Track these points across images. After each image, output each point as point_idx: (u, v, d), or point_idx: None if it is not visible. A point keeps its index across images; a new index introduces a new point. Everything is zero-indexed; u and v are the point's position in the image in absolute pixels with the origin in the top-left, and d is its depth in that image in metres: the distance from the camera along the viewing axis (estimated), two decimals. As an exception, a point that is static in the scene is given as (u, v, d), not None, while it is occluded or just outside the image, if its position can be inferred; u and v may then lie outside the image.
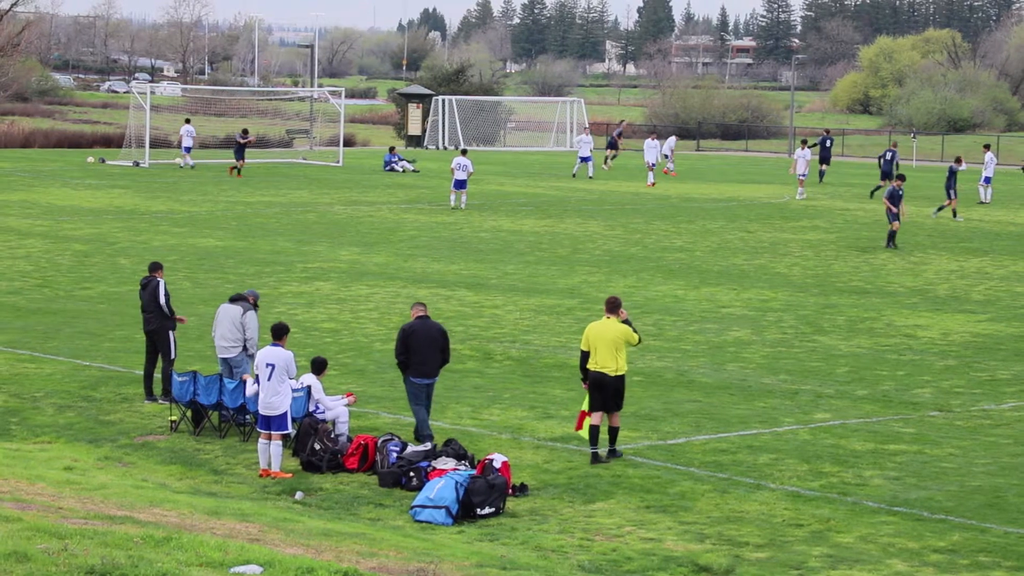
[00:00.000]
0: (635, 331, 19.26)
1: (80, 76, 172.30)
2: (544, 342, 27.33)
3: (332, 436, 19.15)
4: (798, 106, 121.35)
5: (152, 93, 72.84)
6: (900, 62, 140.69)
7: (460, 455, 18.42)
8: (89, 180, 58.90)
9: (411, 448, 18.58)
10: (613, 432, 19.18)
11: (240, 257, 37.75)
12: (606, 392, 19.03)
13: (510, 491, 17.44)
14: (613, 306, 19.27)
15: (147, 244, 39.71)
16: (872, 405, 22.79)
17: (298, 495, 17.61)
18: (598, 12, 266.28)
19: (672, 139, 74.56)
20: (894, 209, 42.08)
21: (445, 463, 18.04)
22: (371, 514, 16.94)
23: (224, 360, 21.11)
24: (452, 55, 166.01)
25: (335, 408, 19.93)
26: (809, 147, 60.55)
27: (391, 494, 17.75)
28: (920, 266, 38.97)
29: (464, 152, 53.80)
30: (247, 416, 20.08)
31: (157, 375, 22.18)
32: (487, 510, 16.82)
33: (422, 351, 19.74)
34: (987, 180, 57.87)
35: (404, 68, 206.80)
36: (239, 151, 63.46)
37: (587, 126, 77.53)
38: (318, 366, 20.29)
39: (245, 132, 64.88)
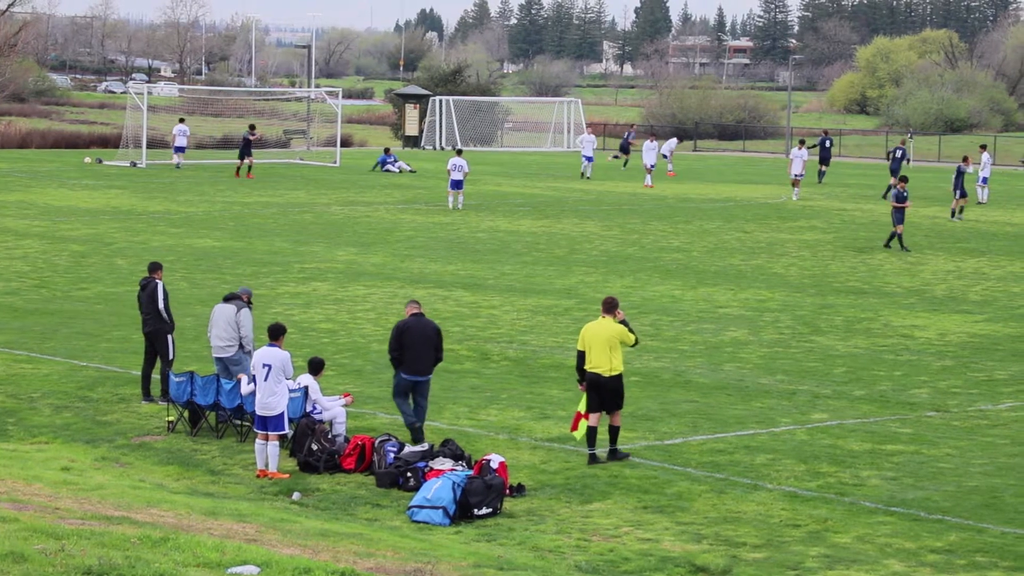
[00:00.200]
0: (632, 332, 19.24)
1: (77, 76, 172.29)
2: (541, 342, 27.33)
3: (329, 436, 19.15)
4: (795, 106, 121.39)
5: (149, 93, 72.78)
6: (897, 62, 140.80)
7: (457, 455, 18.42)
8: (86, 180, 58.89)
9: (408, 448, 18.58)
10: (614, 431, 19.15)
11: (237, 257, 37.75)
12: (602, 393, 19.02)
13: (507, 491, 17.44)
14: (609, 306, 19.26)
15: (144, 244, 39.71)
16: (869, 405, 22.80)
17: (295, 495, 17.61)
18: (595, 12, 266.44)
19: (673, 141, 74.59)
20: (899, 206, 41.94)
21: (442, 463, 18.04)
22: (368, 514, 16.94)
23: (220, 360, 21.11)
24: (449, 55, 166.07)
25: (332, 408, 19.93)
26: (808, 148, 60.62)
27: (388, 494, 17.75)
28: (917, 266, 38.99)
29: (459, 152, 53.83)
30: (240, 420, 20.08)
31: (155, 376, 22.18)
32: (484, 510, 16.82)
33: (416, 348, 19.80)
34: (984, 180, 57.93)
35: (401, 68, 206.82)
36: (246, 148, 62.71)
37: (587, 127, 77.58)
38: (315, 366, 20.29)
39: (253, 128, 64.50)
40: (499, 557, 14.70)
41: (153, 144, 68.82)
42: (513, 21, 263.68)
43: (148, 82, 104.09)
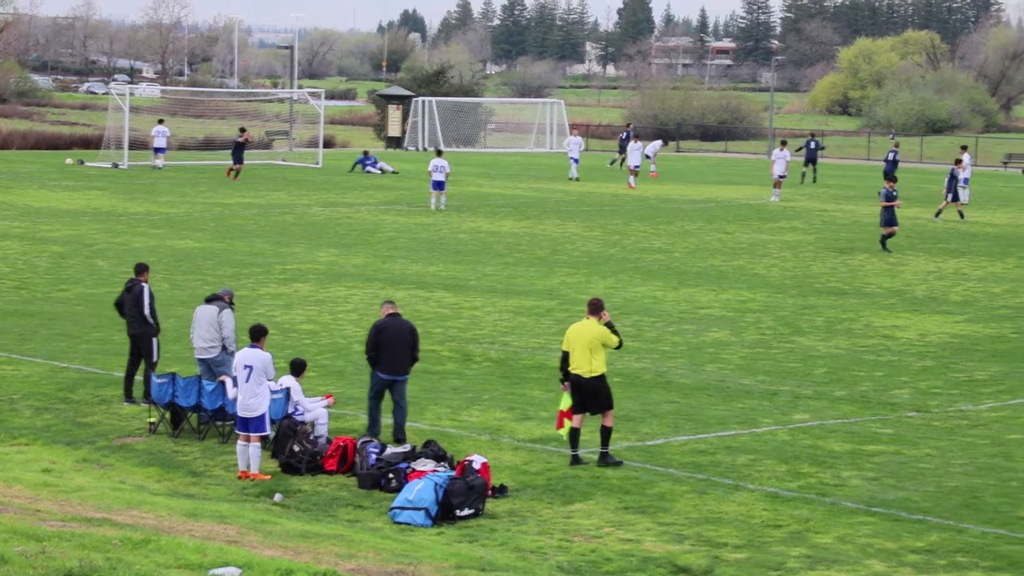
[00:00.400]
0: (616, 334, 19.21)
1: (59, 77, 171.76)
2: (523, 343, 27.34)
3: (311, 438, 19.13)
4: (777, 107, 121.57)
5: (131, 94, 72.62)
6: (879, 63, 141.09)
7: (439, 456, 18.42)
8: (67, 182, 58.76)
9: (390, 450, 18.58)
10: (605, 432, 19.11)
11: (218, 259, 37.70)
12: (583, 394, 19.04)
13: (489, 492, 17.44)
14: (594, 307, 19.27)
15: (125, 246, 39.63)
16: (850, 406, 22.85)
17: (277, 497, 17.59)
18: (578, 13, 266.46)
19: (657, 143, 74.74)
20: (887, 204, 42.07)
21: (424, 465, 18.04)
22: (350, 516, 16.93)
23: (202, 361, 21.09)
24: (432, 56, 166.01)
25: (314, 410, 19.92)
26: (796, 150, 60.90)
27: (370, 496, 17.73)
28: (898, 267, 39.08)
29: (439, 153, 53.86)
30: (221, 421, 20.05)
31: (138, 378, 22.12)
32: (466, 511, 16.82)
33: (392, 348, 19.89)
34: (965, 181, 58.09)
35: (384, 69, 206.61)
36: (238, 151, 62.64)
37: (573, 129, 77.65)
38: (297, 368, 20.27)
39: (242, 131, 64.33)
40: (481, 558, 14.71)
41: (135, 145, 68.65)
42: (496, 22, 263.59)
43: (130, 83, 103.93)
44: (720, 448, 19.97)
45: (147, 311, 21.94)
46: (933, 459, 19.67)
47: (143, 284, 22.18)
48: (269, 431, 18.92)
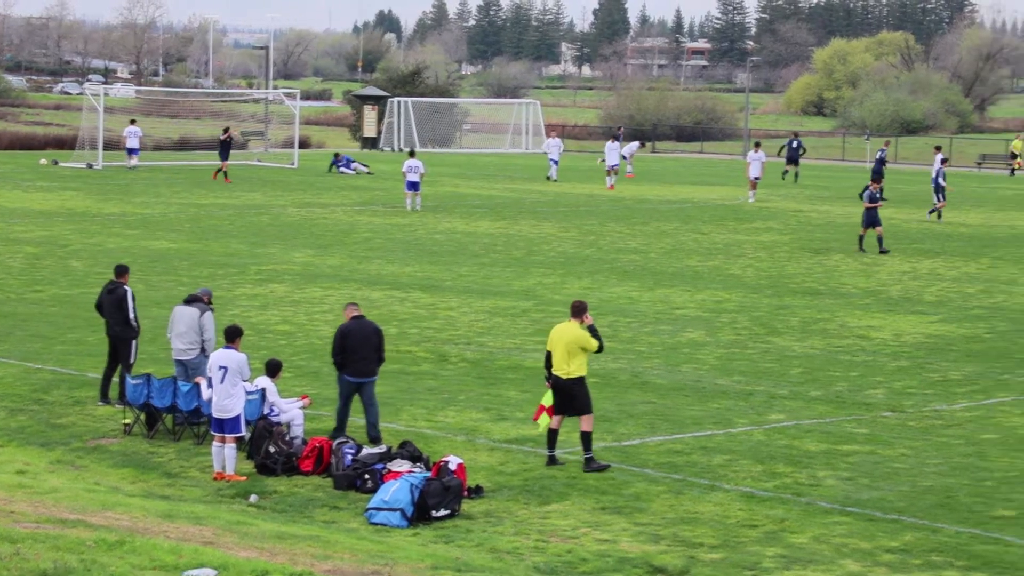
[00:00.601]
0: (597, 338, 19.16)
1: (33, 78, 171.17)
2: (499, 344, 27.34)
3: (287, 439, 19.10)
4: (752, 108, 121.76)
5: (105, 95, 72.36)
6: (853, 64, 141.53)
7: (415, 457, 18.41)
8: (41, 182, 58.55)
9: (366, 450, 18.56)
10: (584, 437, 19.07)
11: (193, 259, 37.60)
12: (561, 395, 19.04)
13: (465, 493, 17.43)
14: (576, 310, 19.26)
15: (100, 246, 39.50)
16: (825, 406, 22.91)
17: (252, 498, 17.55)
18: (553, 14, 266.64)
19: (635, 144, 74.86)
20: (871, 206, 42.25)
21: (400, 465, 18.03)
22: (326, 517, 16.91)
23: (180, 363, 20.98)
24: (407, 57, 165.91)
25: (290, 411, 19.88)
26: (779, 150, 61.08)
27: (346, 496, 17.71)
28: (873, 267, 39.20)
29: (412, 154, 53.84)
30: (197, 422, 20.00)
31: (114, 379, 22.02)
32: (442, 512, 16.81)
33: (359, 351, 19.86)
34: (934, 181, 58.41)
35: (359, 70, 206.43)
36: (224, 150, 62.24)
37: (552, 131, 77.75)
38: (272, 368, 20.23)
39: (226, 130, 64.09)
40: (457, 559, 14.70)
41: (109, 146, 68.45)
42: (471, 22, 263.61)
43: (104, 83, 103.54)
44: (696, 448, 20.00)
45: (131, 315, 21.80)
46: (908, 459, 19.73)
47: (125, 287, 22.00)
48: (244, 432, 18.88)
